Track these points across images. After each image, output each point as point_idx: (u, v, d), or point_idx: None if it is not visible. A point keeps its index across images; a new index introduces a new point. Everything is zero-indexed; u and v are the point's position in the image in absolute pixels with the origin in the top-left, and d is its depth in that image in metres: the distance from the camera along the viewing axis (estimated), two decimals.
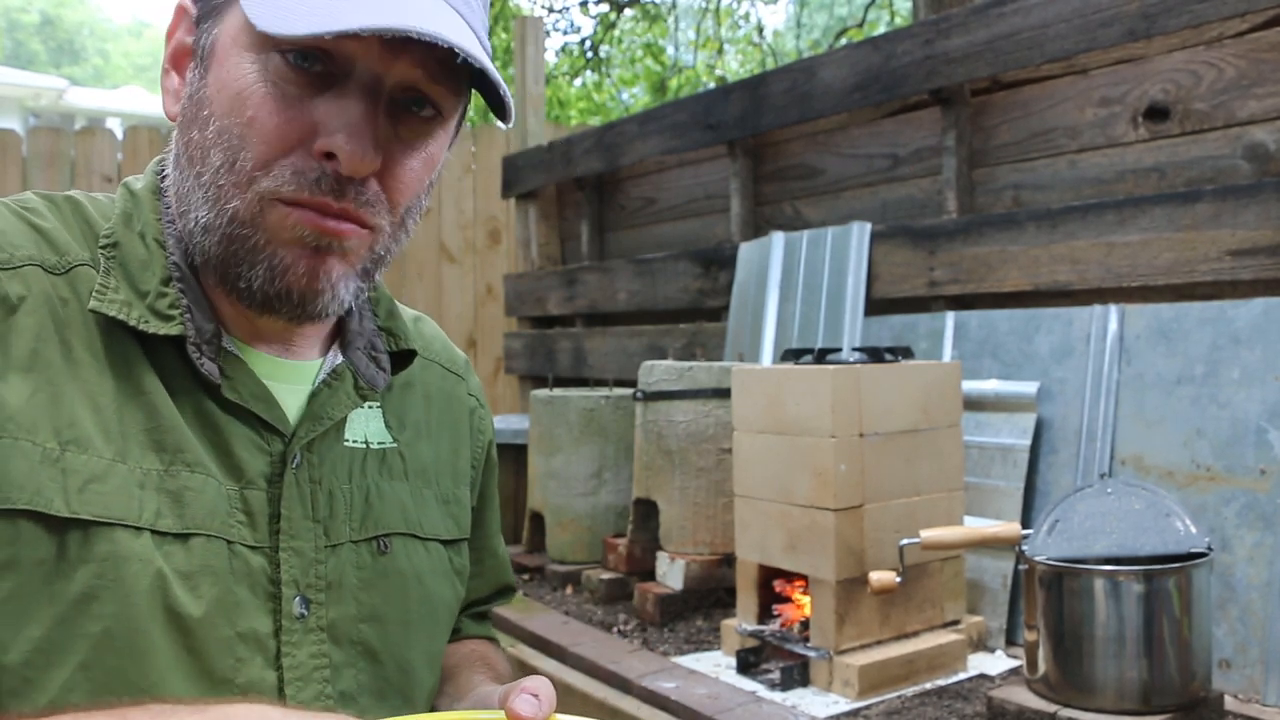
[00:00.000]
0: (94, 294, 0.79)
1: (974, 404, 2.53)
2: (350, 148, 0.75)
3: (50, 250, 0.80)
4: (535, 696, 0.69)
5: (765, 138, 3.64)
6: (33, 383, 0.75)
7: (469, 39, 0.75)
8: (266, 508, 0.82)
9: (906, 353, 2.36)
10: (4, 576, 0.71)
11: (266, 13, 0.73)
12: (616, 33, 11.53)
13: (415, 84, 0.78)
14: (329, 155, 0.76)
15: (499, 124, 0.88)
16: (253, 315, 0.83)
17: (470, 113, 0.90)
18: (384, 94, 0.77)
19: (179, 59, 0.84)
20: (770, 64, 11.81)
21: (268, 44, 0.75)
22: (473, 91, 0.83)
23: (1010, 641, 2.35)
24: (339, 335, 0.93)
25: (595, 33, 10.92)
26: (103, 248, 0.82)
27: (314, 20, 0.71)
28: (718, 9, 11.79)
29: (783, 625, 2.28)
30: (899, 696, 2.06)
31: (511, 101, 0.79)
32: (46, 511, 0.72)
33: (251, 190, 0.76)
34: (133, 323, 0.79)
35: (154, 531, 0.76)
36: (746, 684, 2.17)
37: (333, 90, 0.76)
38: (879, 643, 2.16)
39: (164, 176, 0.88)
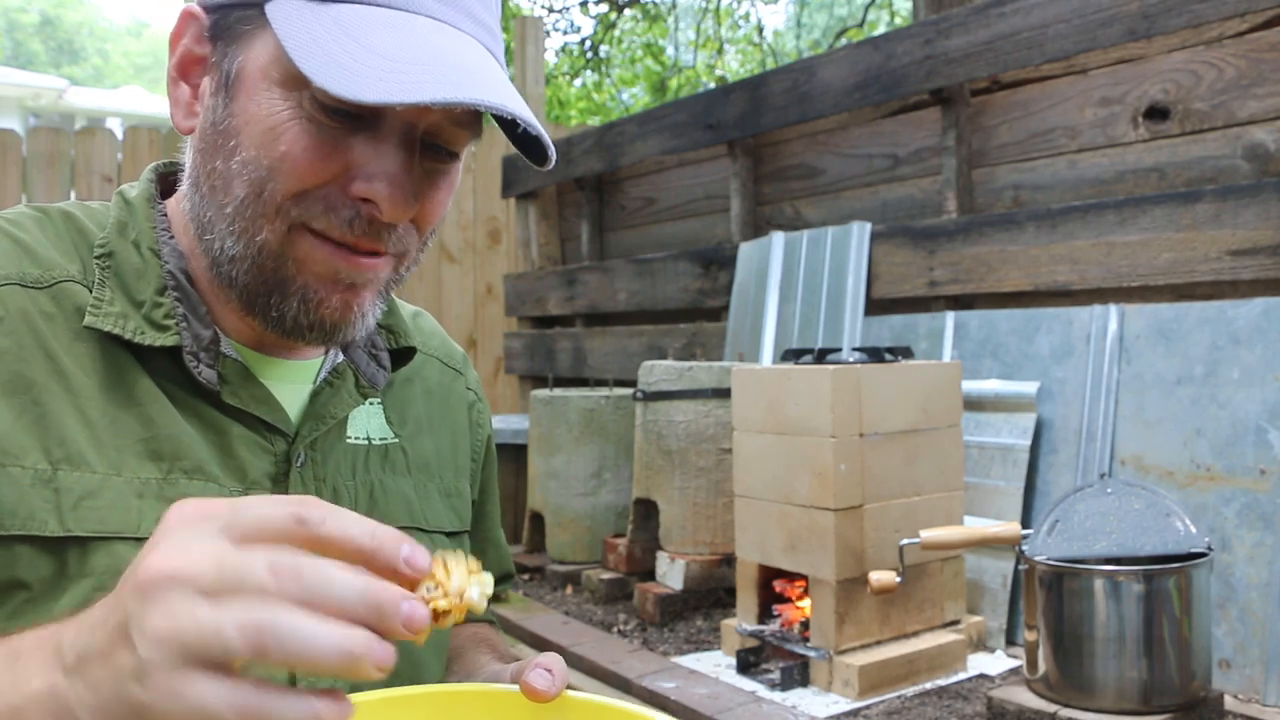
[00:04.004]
0: (89, 310, 0.79)
1: (974, 404, 2.54)
2: (392, 198, 0.76)
3: (31, 264, 0.80)
4: (549, 671, 0.70)
5: (765, 138, 3.64)
6: (17, 405, 0.75)
7: (517, 100, 0.76)
8: None
9: (906, 353, 2.36)
10: (10, 596, 0.73)
11: (328, 72, 0.71)
12: (616, 33, 11.53)
13: (440, 130, 0.79)
14: (366, 200, 0.76)
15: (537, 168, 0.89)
16: (275, 336, 0.83)
17: None
18: (417, 140, 0.78)
19: (187, 68, 0.83)
20: (770, 64, 11.81)
21: (301, 82, 0.74)
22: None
23: (1010, 641, 2.35)
24: None
25: (595, 33, 10.93)
26: (97, 258, 0.82)
27: (383, 87, 0.70)
28: (718, 9, 11.79)
29: (783, 625, 2.28)
30: (899, 696, 2.06)
31: (554, 152, 0.81)
32: (41, 534, 0.73)
33: (280, 218, 0.77)
34: (128, 335, 0.79)
35: None
36: (746, 684, 2.17)
37: (366, 132, 0.76)
38: (879, 643, 2.16)
39: (171, 179, 0.88)
